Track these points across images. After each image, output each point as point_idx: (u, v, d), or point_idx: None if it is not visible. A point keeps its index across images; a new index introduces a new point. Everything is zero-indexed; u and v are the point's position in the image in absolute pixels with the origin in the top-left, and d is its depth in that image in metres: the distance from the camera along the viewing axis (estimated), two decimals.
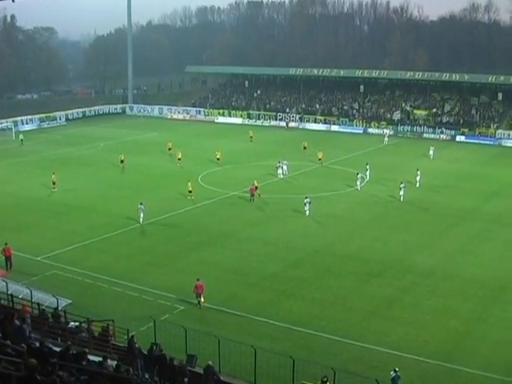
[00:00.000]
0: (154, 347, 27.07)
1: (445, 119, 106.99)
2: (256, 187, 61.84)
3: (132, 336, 27.47)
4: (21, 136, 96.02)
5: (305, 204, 55.92)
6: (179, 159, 77.54)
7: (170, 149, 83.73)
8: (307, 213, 55.65)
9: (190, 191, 61.03)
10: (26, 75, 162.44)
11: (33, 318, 27.13)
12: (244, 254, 46.85)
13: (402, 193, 60.47)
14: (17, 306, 29.80)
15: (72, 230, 52.37)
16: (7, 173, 75.35)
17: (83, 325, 28.84)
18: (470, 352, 32.33)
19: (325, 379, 25.60)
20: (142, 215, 53.50)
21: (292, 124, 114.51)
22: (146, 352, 27.23)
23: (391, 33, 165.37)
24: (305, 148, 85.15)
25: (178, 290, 39.40)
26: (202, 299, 37.28)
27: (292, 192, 64.23)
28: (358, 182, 65.38)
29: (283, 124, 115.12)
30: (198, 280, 37.40)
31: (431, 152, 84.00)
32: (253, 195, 60.76)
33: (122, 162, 75.84)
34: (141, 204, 53.55)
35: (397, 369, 27.63)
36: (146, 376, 25.95)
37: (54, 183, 64.90)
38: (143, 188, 65.89)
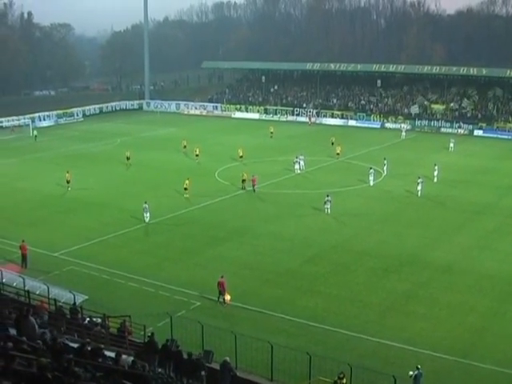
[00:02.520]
0: (169, 343, 27.03)
1: (462, 113, 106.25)
2: (243, 180, 62.78)
3: (152, 333, 27.45)
4: (34, 132, 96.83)
5: (325, 202, 55.12)
6: (197, 155, 77.34)
7: (185, 146, 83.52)
8: (327, 211, 54.94)
9: (186, 188, 60.38)
10: (42, 72, 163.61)
11: (50, 313, 27.25)
12: (260, 249, 46.81)
13: (419, 188, 60.25)
14: (33, 302, 29.91)
15: (88, 225, 52.51)
16: (22, 169, 75.70)
17: (99, 320, 28.89)
18: (487, 348, 32.09)
19: (341, 375, 25.55)
20: (147, 215, 52.40)
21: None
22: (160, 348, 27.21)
23: (408, 27, 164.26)
24: (332, 144, 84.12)
25: (194, 286, 39.44)
26: (227, 297, 37.11)
27: (309, 187, 64.16)
28: (371, 177, 64.81)
29: (301, 119, 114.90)
30: (221, 277, 37.35)
31: (451, 145, 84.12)
32: (254, 185, 61.84)
33: (128, 158, 75.83)
34: (145, 203, 52.68)
35: (419, 366, 27.46)
36: (160, 371, 25.97)
37: (68, 182, 63.66)
38: (159, 184, 66.12)
